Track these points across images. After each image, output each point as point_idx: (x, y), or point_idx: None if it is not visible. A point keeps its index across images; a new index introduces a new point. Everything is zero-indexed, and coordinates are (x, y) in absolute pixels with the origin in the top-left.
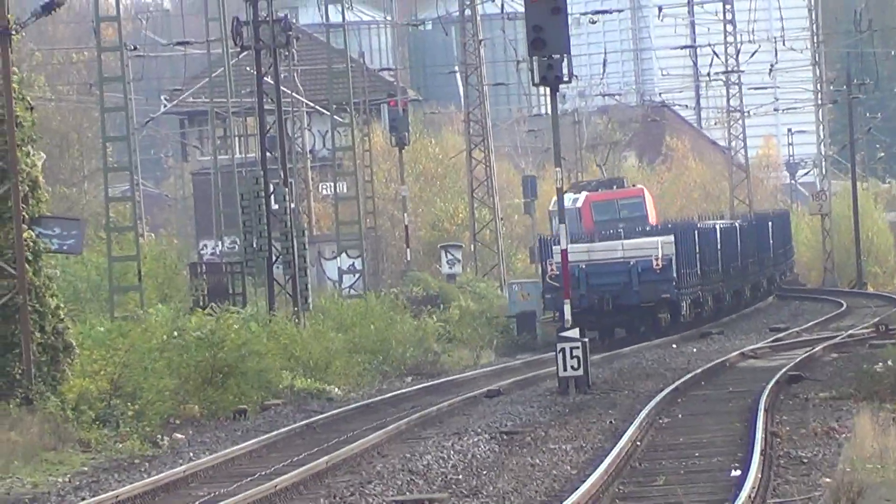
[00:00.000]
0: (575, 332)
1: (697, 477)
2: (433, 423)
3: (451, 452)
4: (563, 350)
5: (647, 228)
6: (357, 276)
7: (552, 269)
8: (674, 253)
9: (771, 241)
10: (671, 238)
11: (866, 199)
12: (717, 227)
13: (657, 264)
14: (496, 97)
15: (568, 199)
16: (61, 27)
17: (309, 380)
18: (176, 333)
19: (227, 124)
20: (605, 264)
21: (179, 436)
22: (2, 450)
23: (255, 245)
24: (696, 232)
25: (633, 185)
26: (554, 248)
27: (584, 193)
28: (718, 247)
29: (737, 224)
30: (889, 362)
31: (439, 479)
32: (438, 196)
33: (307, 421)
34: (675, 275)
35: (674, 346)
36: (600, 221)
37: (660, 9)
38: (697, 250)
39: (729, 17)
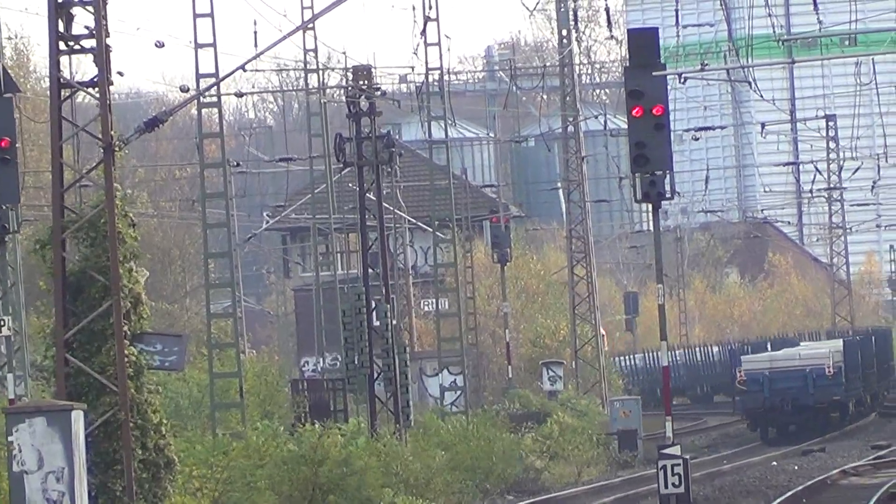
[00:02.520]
0: (676, 450)
1: None
2: None
3: None
4: (664, 467)
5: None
6: (459, 392)
7: (741, 376)
8: (843, 360)
9: (875, 358)
10: (840, 347)
11: None
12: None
13: (829, 371)
14: (598, 213)
15: None
16: (164, 143)
17: (410, 497)
18: (276, 448)
19: (330, 240)
20: (784, 371)
21: None
22: None
23: (356, 362)
24: (858, 342)
25: None
26: (742, 357)
27: None
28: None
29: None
30: None
31: None
32: (540, 313)
33: None
34: (844, 379)
35: (774, 463)
36: None
37: (763, 125)
38: (860, 358)
39: (832, 133)
